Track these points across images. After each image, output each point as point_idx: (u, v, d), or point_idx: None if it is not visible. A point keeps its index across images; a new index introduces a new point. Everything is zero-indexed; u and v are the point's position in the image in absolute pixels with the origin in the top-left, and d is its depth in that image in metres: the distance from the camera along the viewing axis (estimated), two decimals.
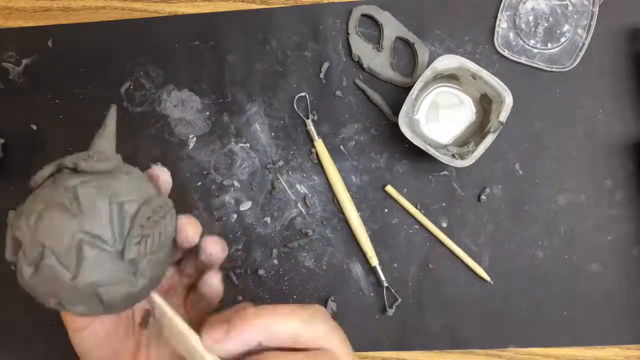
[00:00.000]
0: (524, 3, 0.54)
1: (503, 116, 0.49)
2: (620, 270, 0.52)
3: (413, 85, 0.49)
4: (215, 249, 0.31)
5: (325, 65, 0.54)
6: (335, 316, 0.51)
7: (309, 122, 0.54)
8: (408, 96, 0.49)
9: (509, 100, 0.48)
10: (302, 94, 0.54)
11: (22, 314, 0.55)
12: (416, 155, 0.53)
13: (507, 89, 0.48)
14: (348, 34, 0.54)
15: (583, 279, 0.52)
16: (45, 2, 0.57)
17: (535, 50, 0.53)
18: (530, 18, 0.54)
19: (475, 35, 0.54)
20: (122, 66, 0.56)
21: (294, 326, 0.25)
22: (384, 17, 0.54)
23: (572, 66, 0.53)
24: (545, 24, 0.53)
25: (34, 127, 0.56)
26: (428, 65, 0.50)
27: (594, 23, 0.52)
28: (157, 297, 0.29)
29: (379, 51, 0.54)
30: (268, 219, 0.54)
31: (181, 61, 0.55)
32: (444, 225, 0.53)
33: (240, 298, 0.53)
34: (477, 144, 0.49)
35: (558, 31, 0.53)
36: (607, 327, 0.51)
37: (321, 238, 0.53)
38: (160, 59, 0.56)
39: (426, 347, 0.52)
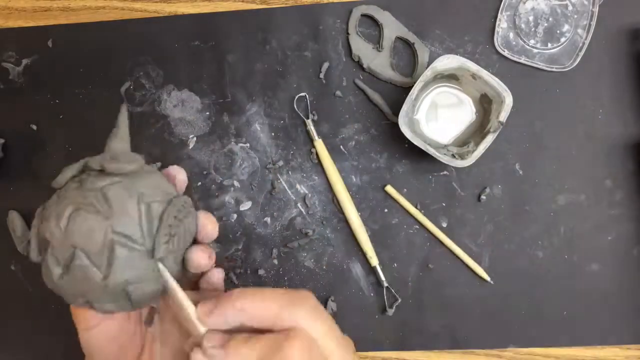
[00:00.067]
0: (524, 3, 0.54)
1: (503, 116, 0.49)
2: (620, 270, 0.52)
3: (413, 85, 0.49)
4: (203, 258, 0.31)
5: (325, 65, 0.54)
6: (335, 316, 0.51)
7: (309, 122, 0.54)
8: (408, 96, 0.49)
9: (509, 100, 0.48)
10: (302, 94, 0.54)
11: (22, 314, 0.55)
12: (416, 155, 0.53)
13: (507, 89, 0.48)
14: (348, 34, 0.54)
15: (583, 279, 0.52)
16: (45, 2, 0.57)
17: (535, 50, 0.53)
18: (530, 18, 0.54)
19: (475, 35, 0.54)
20: (122, 66, 0.56)
21: (273, 309, 0.27)
22: (384, 17, 0.54)
23: (572, 66, 0.53)
24: (545, 24, 0.53)
25: (34, 127, 0.56)
26: (428, 65, 0.50)
27: (594, 23, 0.52)
28: (164, 270, 0.29)
29: (379, 51, 0.54)
30: (268, 219, 0.54)
31: (181, 61, 0.55)
32: (444, 225, 0.53)
33: None
34: (477, 144, 0.49)
35: (558, 31, 0.53)
36: (607, 327, 0.51)
37: (321, 238, 0.53)
38: (160, 59, 0.56)
39: (426, 347, 0.52)
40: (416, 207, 0.53)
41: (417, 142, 0.49)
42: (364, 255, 0.53)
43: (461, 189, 0.53)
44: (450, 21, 0.54)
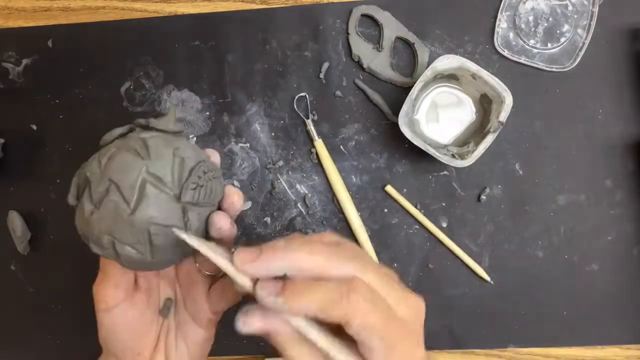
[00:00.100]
0: (524, 3, 0.54)
1: (503, 116, 0.49)
2: (620, 270, 0.52)
3: (413, 85, 0.49)
4: (225, 222, 0.32)
5: (325, 65, 0.54)
6: None
7: (309, 122, 0.54)
8: (408, 96, 0.49)
9: (509, 100, 0.48)
10: (302, 94, 0.54)
11: (22, 314, 0.55)
12: (416, 155, 0.53)
13: (507, 89, 0.48)
14: (348, 34, 0.54)
15: (583, 279, 0.52)
16: (45, 2, 0.57)
17: (535, 50, 0.53)
18: (530, 18, 0.54)
19: (475, 35, 0.54)
20: (122, 66, 0.56)
21: (320, 263, 0.26)
22: (384, 17, 0.54)
23: (572, 66, 0.53)
24: (545, 24, 0.53)
25: (34, 127, 0.56)
26: (428, 65, 0.50)
27: (594, 23, 0.52)
28: (190, 239, 0.29)
29: (379, 51, 0.54)
30: (268, 219, 0.54)
31: (181, 61, 0.55)
32: (444, 225, 0.53)
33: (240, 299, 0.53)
34: (477, 144, 0.49)
35: (558, 31, 0.53)
36: (607, 327, 0.51)
37: None
38: (160, 59, 0.56)
39: (426, 347, 0.52)
40: (416, 207, 0.53)
41: (417, 142, 0.49)
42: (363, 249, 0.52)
43: (461, 189, 0.53)
44: (450, 21, 0.54)
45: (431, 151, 0.49)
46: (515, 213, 0.53)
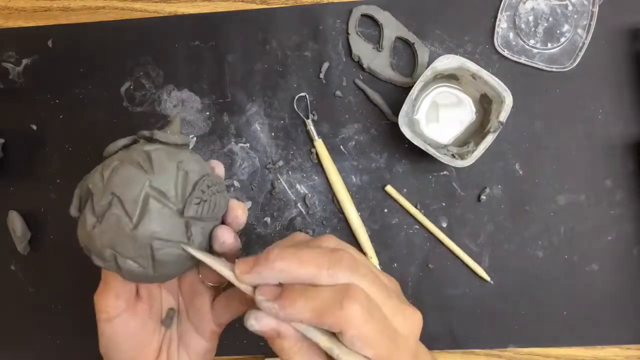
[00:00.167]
0: (524, 3, 0.54)
1: (503, 116, 0.49)
2: (620, 270, 0.52)
3: (413, 85, 0.49)
4: (228, 236, 0.31)
5: (325, 65, 0.54)
6: None
7: (309, 122, 0.54)
8: (408, 96, 0.49)
9: (509, 100, 0.48)
10: (302, 94, 0.54)
11: (22, 314, 0.55)
12: (416, 155, 0.53)
13: (507, 89, 0.48)
14: (348, 34, 0.54)
15: (583, 279, 0.52)
16: (45, 2, 0.57)
17: (535, 50, 0.53)
18: (530, 18, 0.54)
19: (475, 35, 0.54)
20: (122, 66, 0.56)
21: (311, 270, 0.26)
22: (384, 17, 0.54)
23: (572, 66, 0.53)
24: (545, 24, 0.53)
25: (34, 127, 0.56)
26: (428, 65, 0.50)
27: (593, 23, 0.52)
28: (195, 252, 0.30)
29: (379, 51, 0.54)
30: (268, 219, 0.54)
31: (181, 61, 0.55)
32: (444, 225, 0.53)
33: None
34: (477, 144, 0.49)
35: (558, 31, 0.53)
36: (607, 327, 0.51)
37: None
38: (160, 59, 0.56)
39: (426, 347, 0.52)
40: (416, 207, 0.53)
41: (417, 142, 0.49)
42: (364, 255, 0.52)
43: (461, 189, 0.53)
44: (450, 21, 0.54)
45: (431, 151, 0.49)
46: (515, 213, 0.53)
